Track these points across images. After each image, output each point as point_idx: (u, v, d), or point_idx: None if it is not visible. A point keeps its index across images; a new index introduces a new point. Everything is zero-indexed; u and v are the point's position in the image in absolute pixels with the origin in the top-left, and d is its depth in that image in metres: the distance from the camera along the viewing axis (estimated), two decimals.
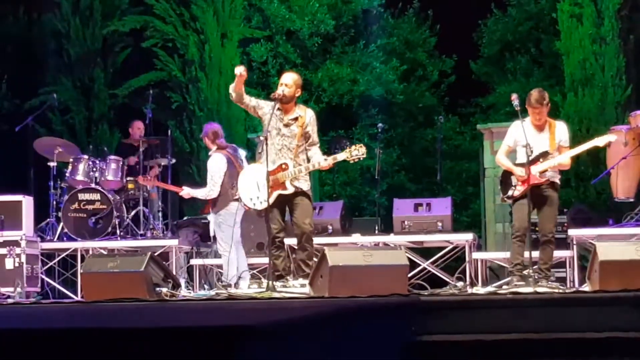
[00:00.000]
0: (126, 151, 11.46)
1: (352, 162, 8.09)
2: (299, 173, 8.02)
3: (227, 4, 14.74)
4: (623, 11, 13.08)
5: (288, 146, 8.07)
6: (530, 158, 8.02)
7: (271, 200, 7.94)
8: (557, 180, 8.24)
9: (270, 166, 7.92)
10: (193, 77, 14.41)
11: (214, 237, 9.42)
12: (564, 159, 8.07)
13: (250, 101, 8.21)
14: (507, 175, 8.30)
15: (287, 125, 8.10)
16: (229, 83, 14.30)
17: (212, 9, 14.51)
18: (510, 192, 8.22)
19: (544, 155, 8.08)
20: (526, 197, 8.05)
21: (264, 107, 8.16)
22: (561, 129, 8.23)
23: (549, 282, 7.90)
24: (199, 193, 9.27)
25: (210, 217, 9.33)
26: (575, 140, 8.70)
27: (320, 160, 8.05)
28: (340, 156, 7.97)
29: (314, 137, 8.19)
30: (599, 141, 8.19)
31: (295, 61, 17.13)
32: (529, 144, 7.92)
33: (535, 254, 8.10)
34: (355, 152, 7.89)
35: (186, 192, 9.52)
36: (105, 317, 4.33)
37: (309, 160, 8.15)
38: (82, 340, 2.90)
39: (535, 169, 8.04)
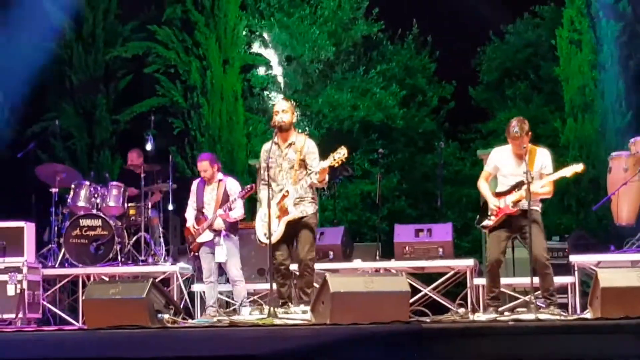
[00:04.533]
0: (128, 177, 11.48)
1: (337, 165, 7.99)
2: (297, 194, 8.02)
3: (229, 31, 14.85)
4: (622, 38, 13.17)
5: (287, 173, 8.12)
6: (506, 188, 8.06)
7: (281, 228, 7.99)
8: (537, 208, 8.09)
9: (276, 198, 8.01)
10: (195, 103, 14.48)
11: (224, 263, 9.30)
12: (536, 189, 7.87)
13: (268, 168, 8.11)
14: (486, 203, 8.26)
15: (284, 153, 8.15)
16: (230, 109, 14.60)
17: (215, 36, 14.62)
18: (484, 222, 8.19)
19: (520, 185, 7.97)
20: (501, 228, 8.08)
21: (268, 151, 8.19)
22: (542, 156, 8.06)
23: (555, 308, 7.86)
24: (234, 214, 9.25)
25: (222, 242, 9.22)
26: None
27: (310, 176, 7.97)
28: (325, 163, 7.91)
29: (314, 164, 8.05)
30: (566, 171, 8.00)
31: (296, 87, 17.19)
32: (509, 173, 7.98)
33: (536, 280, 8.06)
34: (337, 155, 7.89)
35: (224, 216, 9.23)
36: (107, 345, 4.35)
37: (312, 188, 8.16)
38: None
39: (509, 199, 8.02)
